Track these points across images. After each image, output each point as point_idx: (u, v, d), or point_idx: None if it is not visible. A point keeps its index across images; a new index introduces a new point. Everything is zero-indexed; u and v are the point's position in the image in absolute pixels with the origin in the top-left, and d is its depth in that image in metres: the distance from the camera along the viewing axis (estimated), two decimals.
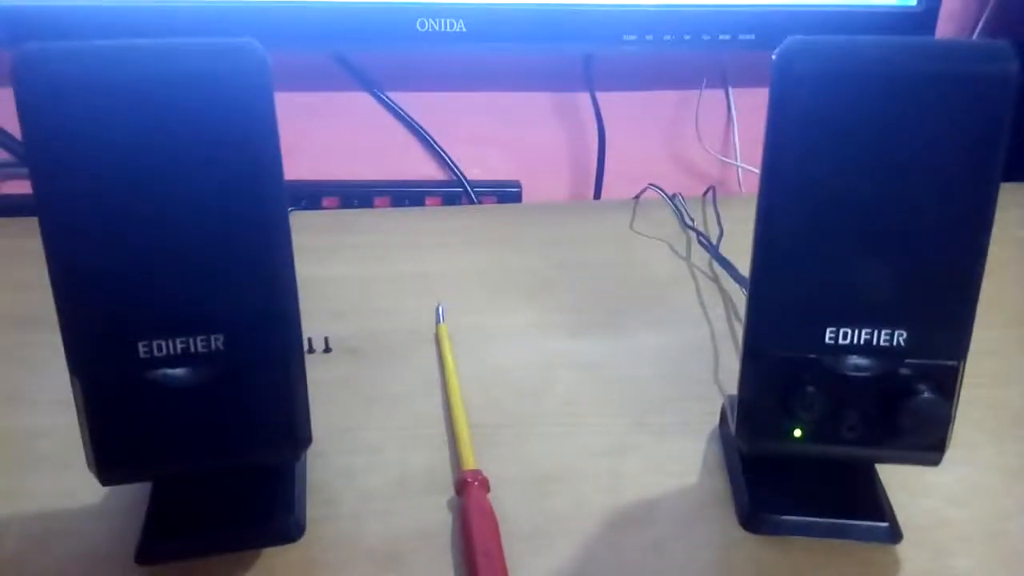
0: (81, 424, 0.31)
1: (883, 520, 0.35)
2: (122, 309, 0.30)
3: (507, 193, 0.77)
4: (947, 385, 0.32)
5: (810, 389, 0.32)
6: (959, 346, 0.32)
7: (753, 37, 0.65)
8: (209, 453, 0.32)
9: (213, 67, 0.29)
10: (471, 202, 0.74)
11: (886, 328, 0.31)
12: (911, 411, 0.32)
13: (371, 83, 0.72)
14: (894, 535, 0.35)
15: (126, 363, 0.30)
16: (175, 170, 0.29)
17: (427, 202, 0.75)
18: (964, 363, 0.32)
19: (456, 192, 0.75)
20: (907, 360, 0.32)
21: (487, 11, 0.64)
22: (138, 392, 0.30)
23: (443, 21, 0.64)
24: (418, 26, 0.64)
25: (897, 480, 0.38)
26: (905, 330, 0.31)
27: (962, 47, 0.30)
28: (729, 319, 0.52)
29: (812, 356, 0.32)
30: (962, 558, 0.35)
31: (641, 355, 0.49)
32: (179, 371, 0.31)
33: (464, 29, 0.64)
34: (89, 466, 0.31)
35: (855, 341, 0.32)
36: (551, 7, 0.64)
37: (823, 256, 0.31)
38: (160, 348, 0.30)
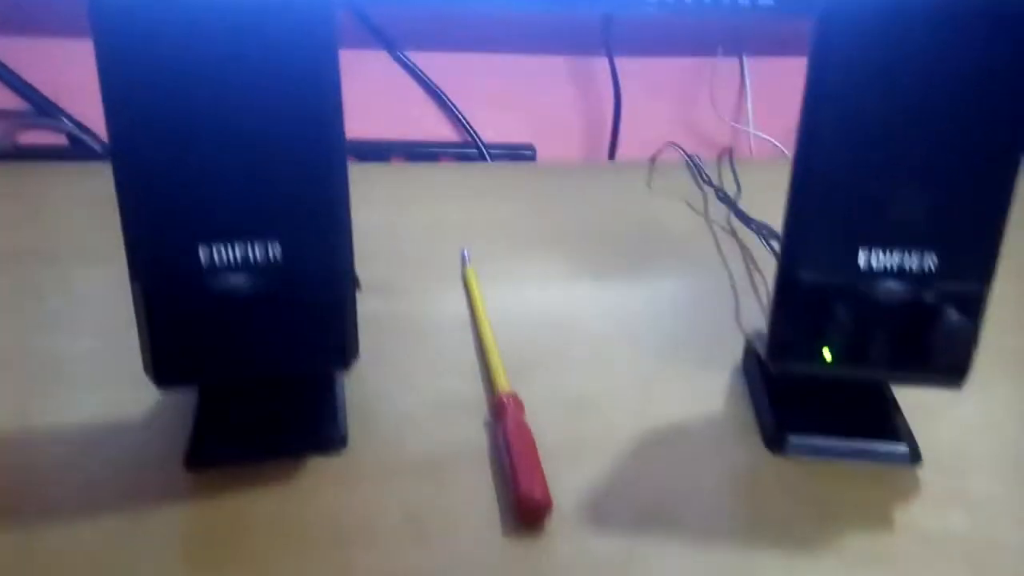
0: (140, 328, 0.32)
1: (903, 443, 0.37)
2: (184, 214, 0.31)
3: (521, 155, 0.78)
4: (973, 308, 0.33)
5: (841, 311, 0.34)
6: (986, 270, 0.33)
7: (773, 3, 0.67)
8: (263, 361, 0.33)
9: None
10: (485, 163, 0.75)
11: (916, 252, 0.33)
12: (937, 332, 0.33)
13: (389, 42, 0.73)
14: (914, 457, 0.37)
15: (187, 268, 0.31)
16: (240, 80, 0.30)
17: (441, 161, 0.76)
18: (990, 287, 0.33)
19: (470, 153, 0.76)
20: (935, 284, 0.33)
21: None
22: (197, 297, 0.31)
23: None
24: None
25: (918, 411, 0.39)
26: (935, 253, 0.33)
27: None
28: (748, 269, 0.54)
29: (844, 279, 0.33)
30: (981, 480, 0.37)
31: (664, 299, 0.50)
32: (238, 278, 0.32)
33: None
34: (145, 369, 0.32)
35: (887, 266, 0.33)
36: None
37: (859, 181, 0.32)
38: (220, 254, 0.31)
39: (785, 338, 0.35)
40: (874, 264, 0.33)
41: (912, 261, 0.33)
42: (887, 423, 0.38)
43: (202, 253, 0.31)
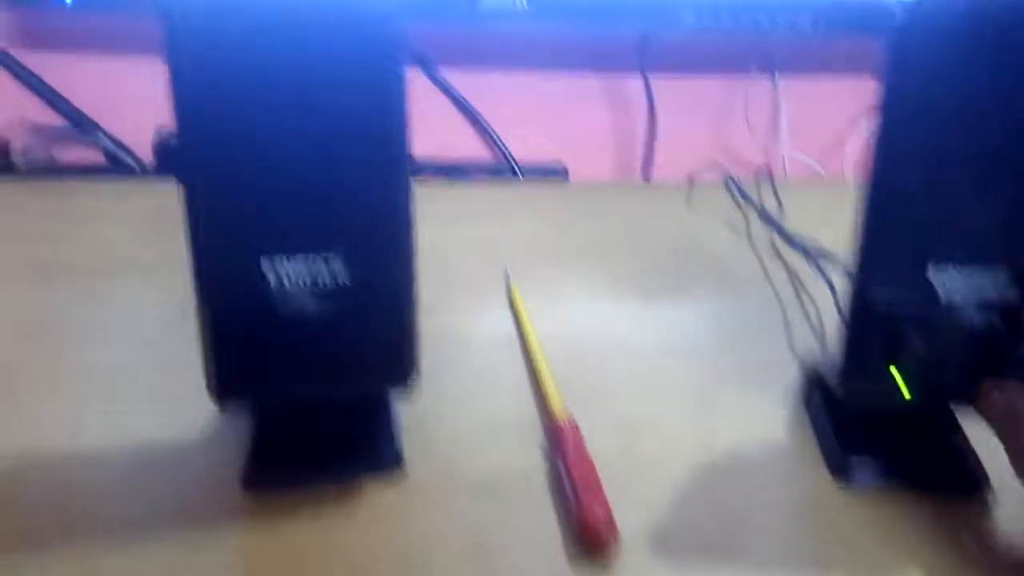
0: (202, 345, 0.31)
1: (970, 471, 0.36)
2: (250, 231, 0.30)
3: (553, 173, 0.78)
4: None
5: (915, 339, 0.33)
6: None
7: (811, 24, 0.66)
8: (325, 379, 0.32)
9: (355, 2, 0.29)
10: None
11: (995, 277, 0.32)
12: (1014, 361, 0.32)
13: (422, 60, 0.73)
14: (982, 485, 0.36)
15: (251, 286, 0.31)
16: (309, 99, 0.29)
17: (474, 180, 0.76)
18: None
19: (503, 171, 0.76)
20: (1016, 312, 0.32)
21: None
22: (261, 315, 0.31)
23: None
24: (479, 4, 0.65)
25: (986, 435, 0.38)
26: (1015, 280, 0.32)
27: None
28: (796, 291, 0.53)
29: (919, 308, 0.33)
30: None
31: (712, 320, 0.49)
32: (302, 295, 0.31)
33: (525, 7, 0.65)
34: (208, 387, 0.32)
35: (962, 293, 0.32)
36: None
37: (936, 202, 0.31)
38: (286, 272, 0.31)
39: (858, 367, 0.34)
40: (951, 290, 0.33)
41: (990, 287, 0.32)
42: (955, 450, 0.37)
43: (267, 270, 0.31)
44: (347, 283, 0.31)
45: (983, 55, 0.30)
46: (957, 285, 0.32)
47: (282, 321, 0.31)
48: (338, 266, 0.31)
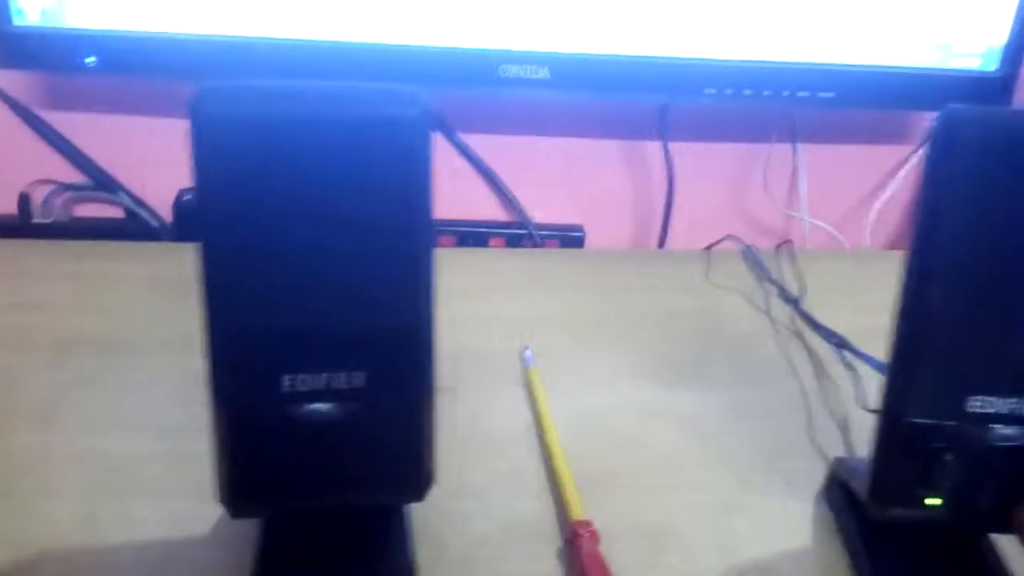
0: (217, 455, 0.31)
1: None
2: (272, 342, 0.30)
3: (570, 237, 0.77)
4: None
5: (949, 457, 0.32)
6: None
7: (833, 95, 0.66)
8: (339, 490, 0.32)
9: (379, 112, 0.29)
10: (534, 244, 0.75)
11: None
12: None
13: (442, 124, 0.73)
14: None
15: (270, 396, 0.30)
16: (333, 208, 0.29)
17: (491, 242, 0.76)
18: None
19: (520, 234, 0.76)
20: None
21: (571, 60, 0.64)
22: (279, 426, 0.30)
23: (526, 67, 0.65)
24: (500, 72, 0.65)
25: (1019, 551, 0.37)
26: None
27: None
28: (818, 377, 0.52)
29: (953, 423, 0.32)
30: None
31: (735, 409, 0.48)
32: (321, 406, 0.30)
33: (547, 76, 0.65)
34: (220, 497, 0.31)
35: (998, 410, 0.31)
36: (634, 58, 0.65)
37: (974, 325, 0.31)
38: (304, 382, 0.30)
39: (888, 482, 0.33)
40: (984, 409, 0.32)
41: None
42: (989, 570, 0.35)
43: (286, 382, 0.30)
44: (368, 396, 0.31)
45: (1019, 175, 0.29)
46: (996, 412, 0.31)
47: (300, 433, 0.30)
48: (358, 380, 0.31)
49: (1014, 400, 0.31)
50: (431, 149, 0.30)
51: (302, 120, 0.28)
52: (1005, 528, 0.32)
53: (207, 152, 0.28)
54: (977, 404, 0.32)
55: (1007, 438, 0.31)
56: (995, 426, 0.32)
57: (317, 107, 0.28)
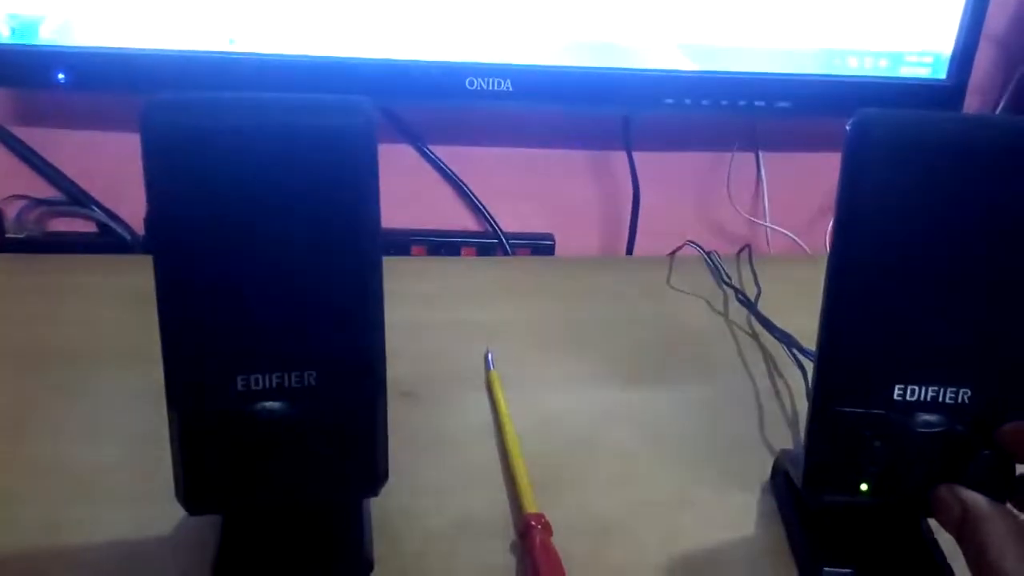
0: (173, 455, 0.32)
1: (939, 573, 0.36)
2: (224, 345, 0.31)
3: (540, 245, 0.79)
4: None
5: (877, 444, 0.33)
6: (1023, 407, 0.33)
7: (788, 105, 0.68)
8: (294, 487, 0.33)
9: (325, 121, 0.30)
10: (505, 253, 0.76)
11: (952, 387, 0.33)
12: (973, 469, 0.33)
13: (414, 136, 0.75)
14: None
15: (224, 396, 0.31)
16: (283, 216, 0.30)
17: (462, 252, 0.77)
18: None
19: (491, 243, 0.77)
20: (971, 418, 0.33)
21: (534, 72, 0.66)
22: (233, 424, 0.31)
23: (491, 80, 0.67)
24: (467, 84, 0.66)
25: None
26: (970, 389, 0.33)
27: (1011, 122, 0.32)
28: (771, 375, 0.53)
29: (880, 412, 0.33)
30: None
31: (689, 408, 0.50)
32: (273, 405, 0.32)
33: (511, 88, 0.67)
34: (177, 495, 0.32)
35: (922, 398, 0.33)
36: (595, 70, 0.66)
37: (894, 316, 0.32)
38: (257, 382, 0.31)
39: (821, 469, 0.34)
40: (909, 397, 0.33)
41: (948, 395, 0.33)
42: (923, 553, 0.37)
43: (239, 382, 0.31)
44: (319, 395, 0.32)
45: (937, 173, 0.31)
46: (919, 400, 0.33)
47: (254, 431, 0.32)
48: (311, 380, 0.32)
49: (935, 388, 0.33)
50: (376, 157, 0.31)
51: (249, 130, 0.30)
52: (927, 511, 0.33)
53: (156, 161, 0.29)
54: (902, 393, 0.33)
55: (930, 424, 0.33)
56: (919, 414, 0.33)
57: (264, 117, 0.30)
